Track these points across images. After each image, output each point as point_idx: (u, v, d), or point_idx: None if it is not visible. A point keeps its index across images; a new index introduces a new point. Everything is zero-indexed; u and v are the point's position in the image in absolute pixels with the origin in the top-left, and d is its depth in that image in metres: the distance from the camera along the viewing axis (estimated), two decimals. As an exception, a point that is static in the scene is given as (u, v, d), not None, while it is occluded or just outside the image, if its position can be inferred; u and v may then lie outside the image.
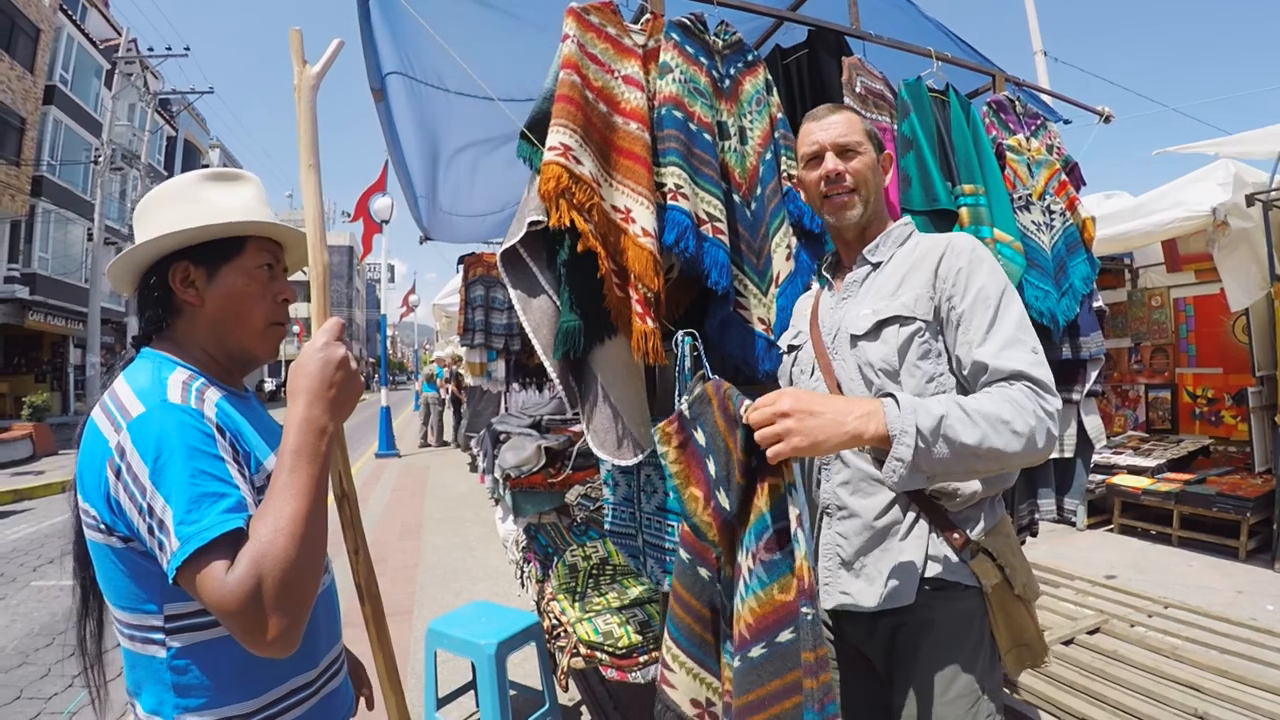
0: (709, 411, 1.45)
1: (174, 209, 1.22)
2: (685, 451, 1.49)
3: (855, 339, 1.58)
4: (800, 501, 1.29)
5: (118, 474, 0.99)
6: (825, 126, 1.68)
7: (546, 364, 2.14)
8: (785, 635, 1.26)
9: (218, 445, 1.05)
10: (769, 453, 1.25)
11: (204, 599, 0.93)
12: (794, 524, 1.27)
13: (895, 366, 1.52)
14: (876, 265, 1.67)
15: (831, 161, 1.64)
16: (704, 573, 1.56)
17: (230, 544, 0.94)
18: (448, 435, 16.49)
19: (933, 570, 1.50)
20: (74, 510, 1.12)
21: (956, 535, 1.49)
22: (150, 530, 0.96)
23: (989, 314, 1.45)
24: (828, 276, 1.81)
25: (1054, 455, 3.11)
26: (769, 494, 1.34)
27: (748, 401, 1.35)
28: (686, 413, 1.49)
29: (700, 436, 1.45)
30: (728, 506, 1.38)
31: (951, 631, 1.50)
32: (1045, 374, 1.37)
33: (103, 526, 1.03)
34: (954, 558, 1.49)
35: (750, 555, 1.34)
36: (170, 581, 0.95)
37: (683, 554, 1.63)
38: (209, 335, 1.23)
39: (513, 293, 2.20)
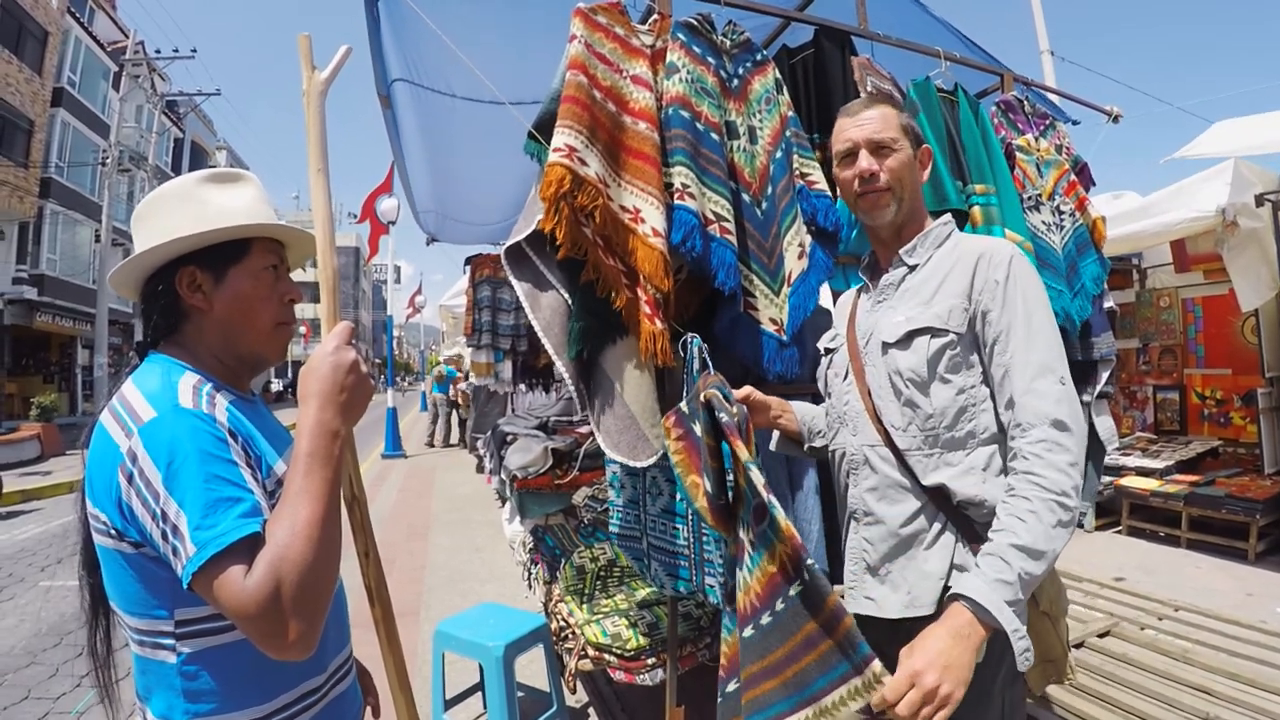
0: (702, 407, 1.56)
1: (176, 212, 1.21)
2: (686, 443, 1.61)
3: (886, 346, 1.56)
4: (760, 471, 1.40)
5: (130, 479, 0.99)
6: (860, 123, 1.62)
7: (558, 364, 2.13)
8: (779, 604, 1.35)
9: (231, 450, 1.04)
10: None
11: (221, 604, 0.93)
12: (764, 494, 1.34)
13: (924, 378, 1.50)
14: (913, 267, 1.63)
15: (865, 160, 1.59)
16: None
17: (247, 549, 0.94)
18: (454, 437, 16.50)
19: (957, 580, 1.45)
20: (82, 515, 1.12)
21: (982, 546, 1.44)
22: (164, 535, 0.96)
23: (1022, 336, 1.43)
24: (864, 277, 1.77)
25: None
26: (743, 473, 1.46)
27: (720, 393, 1.52)
28: (685, 409, 1.60)
29: (697, 429, 1.56)
30: (710, 490, 1.53)
31: None
32: (1069, 408, 1.37)
33: (113, 532, 1.02)
34: None
35: (749, 529, 1.43)
36: (185, 587, 0.94)
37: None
38: (217, 339, 1.22)
39: (519, 288, 2.19)
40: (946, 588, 1.46)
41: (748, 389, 1.77)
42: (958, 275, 1.52)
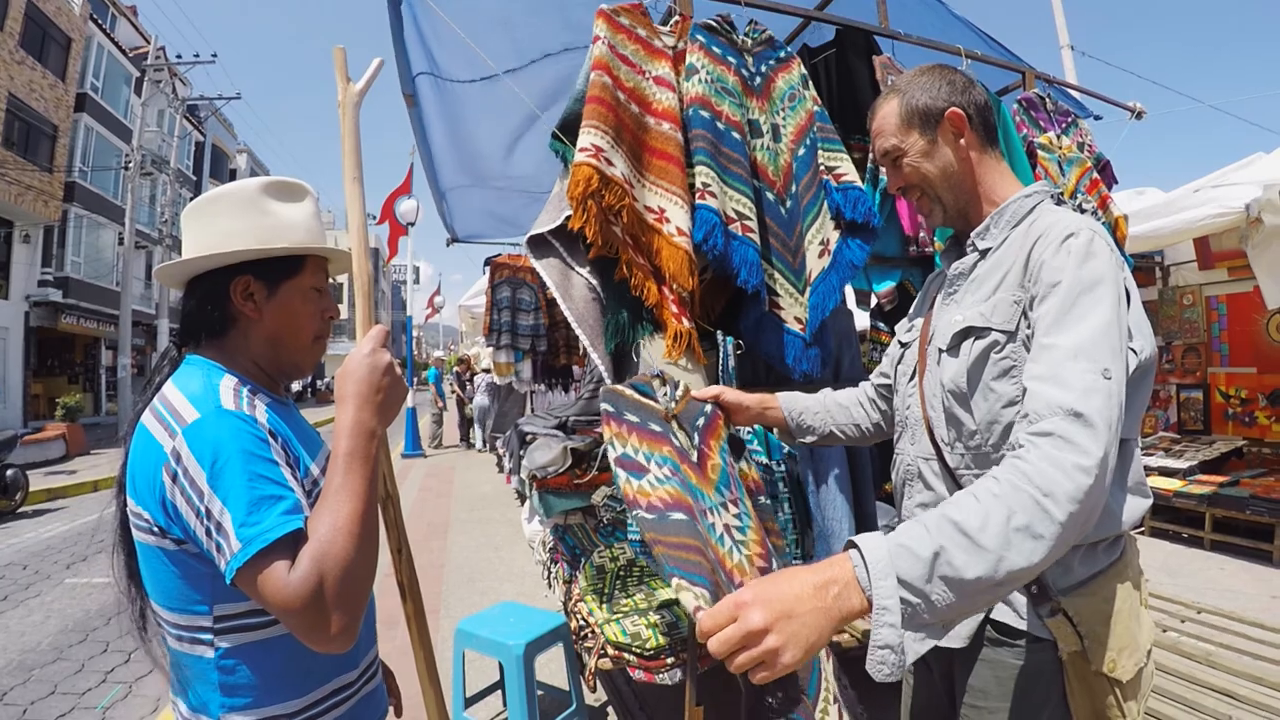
0: (620, 396, 1.62)
1: (240, 218, 1.23)
2: (634, 431, 1.58)
3: (940, 351, 1.37)
4: (727, 450, 1.60)
5: (174, 478, 1.01)
6: (872, 139, 1.49)
7: (592, 353, 2.14)
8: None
9: (272, 449, 1.07)
10: (754, 679, 0.91)
11: (266, 599, 0.95)
12: (731, 469, 1.50)
13: (964, 389, 1.30)
14: (984, 253, 1.39)
15: (888, 178, 1.48)
16: (679, 516, 1.45)
17: (290, 545, 0.97)
18: (448, 440, 16.51)
19: (1002, 614, 1.30)
20: (120, 513, 1.15)
21: (1034, 586, 1.24)
22: (208, 533, 0.98)
23: (1056, 320, 1.14)
24: (944, 264, 1.52)
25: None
26: (717, 452, 1.63)
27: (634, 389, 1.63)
28: (610, 408, 1.60)
29: (632, 416, 1.59)
30: (680, 443, 1.60)
31: (1012, 685, 1.30)
32: (1101, 404, 1.03)
33: (156, 529, 1.05)
34: (1029, 606, 1.27)
35: (731, 503, 1.54)
36: (229, 582, 0.97)
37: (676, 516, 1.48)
38: (262, 347, 1.25)
39: (549, 278, 2.20)
40: (986, 622, 1.32)
41: (716, 389, 1.75)
42: (1019, 261, 1.28)
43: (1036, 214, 1.35)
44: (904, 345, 1.60)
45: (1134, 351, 1.20)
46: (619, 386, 1.67)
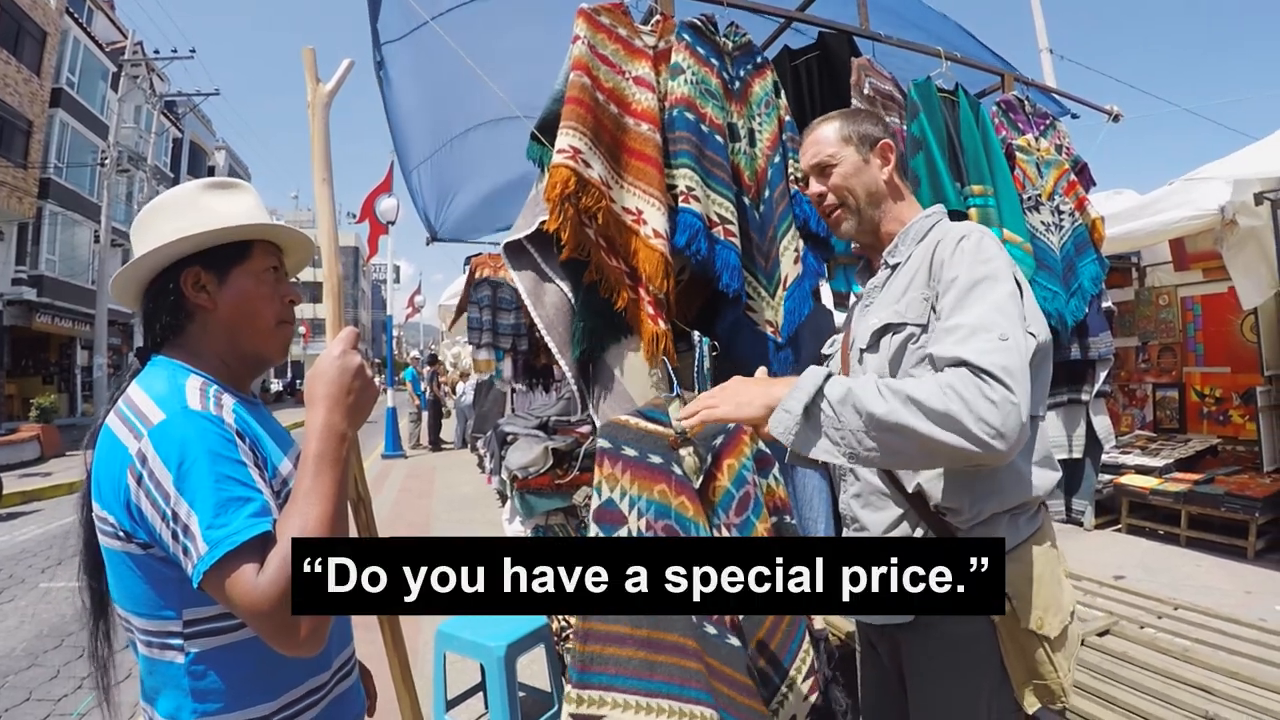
0: (621, 427, 1.64)
1: (178, 218, 1.22)
2: (629, 470, 1.62)
3: (861, 352, 1.54)
4: (751, 468, 1.62)
5: (139, 480, 1.00)
6: (804, 151, 1.65)
7: (560, 360, 2.14)
8: None
9: (239, 450, 1.05)
10: (688, 422, 1.37)
11: (233, 602, 0.94)
12: (751, 488, 1.53)
13: (887, 377, 1.41)
14: (895, 267, 1.57)
15: (812, 185, 1.62)
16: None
17: (258, 548, 0.95)
18: (424, 439, 16.39)
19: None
20: (84, 518, 1.13)
21: None
22: (174, 536, 0.97)
23: (955, 306, 1.33)
24: (859, 283, 1.73)
25: (1063, 456, 3.09)
26: (728, 471, 1.65)
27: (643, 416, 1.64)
28: (606, 444, 1.63)
29: (630, 450, 1.61)
30: (682, 472, 1.60)
31: (955, 651, 1.45)
32: (999, 360, 1.18)
33: (121, 534, 1.03)
34: None
35: (725, 527, 1.56)
36: (196, 586, 0.95)
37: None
38: (222, 339, 1.23)
39: (521, 285, 2.20)
40: None
41: None
42: (925, 266, 1.46)
43: (936, 231, 1.54)
44: (827, 357, 1.80)
45: (1032, 335, 1.35)
46: (623, 417, 1.68)
